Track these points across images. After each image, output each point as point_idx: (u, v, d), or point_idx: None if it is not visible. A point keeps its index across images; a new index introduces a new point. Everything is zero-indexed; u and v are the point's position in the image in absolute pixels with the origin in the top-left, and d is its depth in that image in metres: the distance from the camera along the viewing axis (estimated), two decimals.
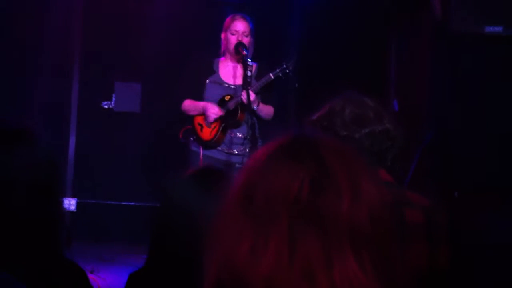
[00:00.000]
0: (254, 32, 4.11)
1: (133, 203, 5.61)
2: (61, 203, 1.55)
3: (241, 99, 3.93)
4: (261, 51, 4.29)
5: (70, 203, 5.36)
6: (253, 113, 3.91)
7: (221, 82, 4.13)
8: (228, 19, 4.10)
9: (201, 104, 4.09)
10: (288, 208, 0.85)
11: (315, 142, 0.92)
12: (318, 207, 0.85)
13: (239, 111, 3.99)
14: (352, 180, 0.88)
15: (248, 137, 3.93)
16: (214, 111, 4.02)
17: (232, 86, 4.12)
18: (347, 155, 0.91)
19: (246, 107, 3.87)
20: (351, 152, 0.93)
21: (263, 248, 0.85)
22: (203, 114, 4.08)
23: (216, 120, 4.05)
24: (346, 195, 0.86)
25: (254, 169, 0.91)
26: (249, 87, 3.85)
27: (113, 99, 5.67)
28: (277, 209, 0.86)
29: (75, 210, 5.41)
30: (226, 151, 4.08)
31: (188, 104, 4.13)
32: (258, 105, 3.96)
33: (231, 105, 4.01)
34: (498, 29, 3.98)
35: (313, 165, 0.88)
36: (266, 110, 4.06)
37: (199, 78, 4.13)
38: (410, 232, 1.57)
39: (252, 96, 3.87)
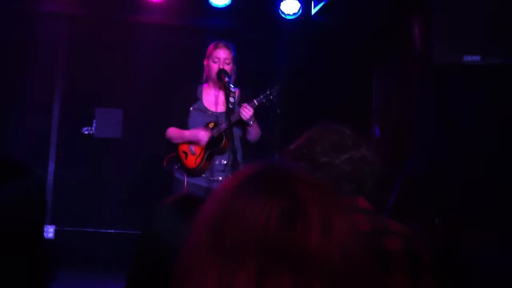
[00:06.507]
0: (238, 59, 4.15)
1: (112, 231, 5.55)
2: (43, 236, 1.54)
3: (224, 127, 3.96)
4: (246, 78, 4.32)
5: (48, 231, 5.29)
6: (244, 131, 4.01)
7: (204, 110, 4.15)
8: (210, 47, 4.13)
9: (187, 132, 4.09)
10: (256, 243, 0.82)
11: (285, 173, 0.89)
12: (287, 240, 0.82)
13: (224, 139, 3.99)
14: (322, 212, 0.85)
15: (230, 163, 3.94)
16: (204, 134, 4.03)
17: (215, 113, 4.13)
18: (318, 187, 0.88)
19: (230, 134, 3.89)
20: (323, 184, 0.90)
21: (229, 286, 0.82)
22: (191, 142, 4.08)
23: (201, 147, 4.05)
24: (315, 228, 0.83)
25: (221, 202, 0.88)
26: (248, 106, 3.93)
27: (94, 125, 5.64)
28: (244, 245, 0.83)
29: (53, 238, 5.33)
30: (209, 177, 4.08)
31: (173, 132, 4.14)
32: (253, 122, 4.00)
33: (215, 132, 4.02)
34: (476, 58, 4.04)
35: (282, 196, 0.85)
36: (257, 130, 4.09)
37: (183, 106, 4.15)
38: (390, 261, 1.56)
39: (250, 112, 3.92)
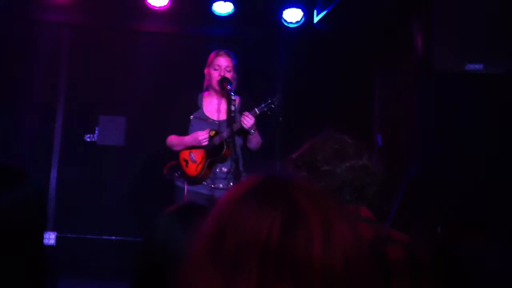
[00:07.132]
0: (241, 67, 4.15)
1: (113, 238, 5.54)
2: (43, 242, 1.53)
3: (226, 135, 3.96)
4: (249, 86, 4.33)
5: (49, 237, 5.28)
6: (245, 139, 3.97)
7: (205, 118, 4.15)
8: (212, 55, 4.14)
9: (187, 137, 4.09)
10: (258, 254, 0.82)
11: (286, 183, 0.89)
12: (289, 250, 0.82)
13: (225, 147, 3.99)
14: (324, 222, 0.85)
15: (232, 171, 3.93)
16: (202, 134, 4.02)
17: (216, 122, 4.13)
18: (319, 197, 0.89)
19: (232, 142, 3.88)
20: (324, 194, 0.90)
21: None
22: (192, 148, 4.08)
23: (202, 156, 4.05)
24: (318, 237, 0.83)
25: (223, 213, 0.88)
26: (250, 114, 3.91)
27: (96, 132, 5.65)
28: (246, 257, 0.83)
29: (54, 244, 5.33)
30: (210, 185, 4.07)
31: (173, 140, 4.14)
32: (254, 130, 3.99)
33: (216, 140, 4.02)
34: (479, 67, 4.04)
35: (284, 207, 0.85)
36: (258, 138, 4.09)
37: (184, 115, 4.16)
38: (392, 269, 1.56)
39: (252, 120, 3.91)
